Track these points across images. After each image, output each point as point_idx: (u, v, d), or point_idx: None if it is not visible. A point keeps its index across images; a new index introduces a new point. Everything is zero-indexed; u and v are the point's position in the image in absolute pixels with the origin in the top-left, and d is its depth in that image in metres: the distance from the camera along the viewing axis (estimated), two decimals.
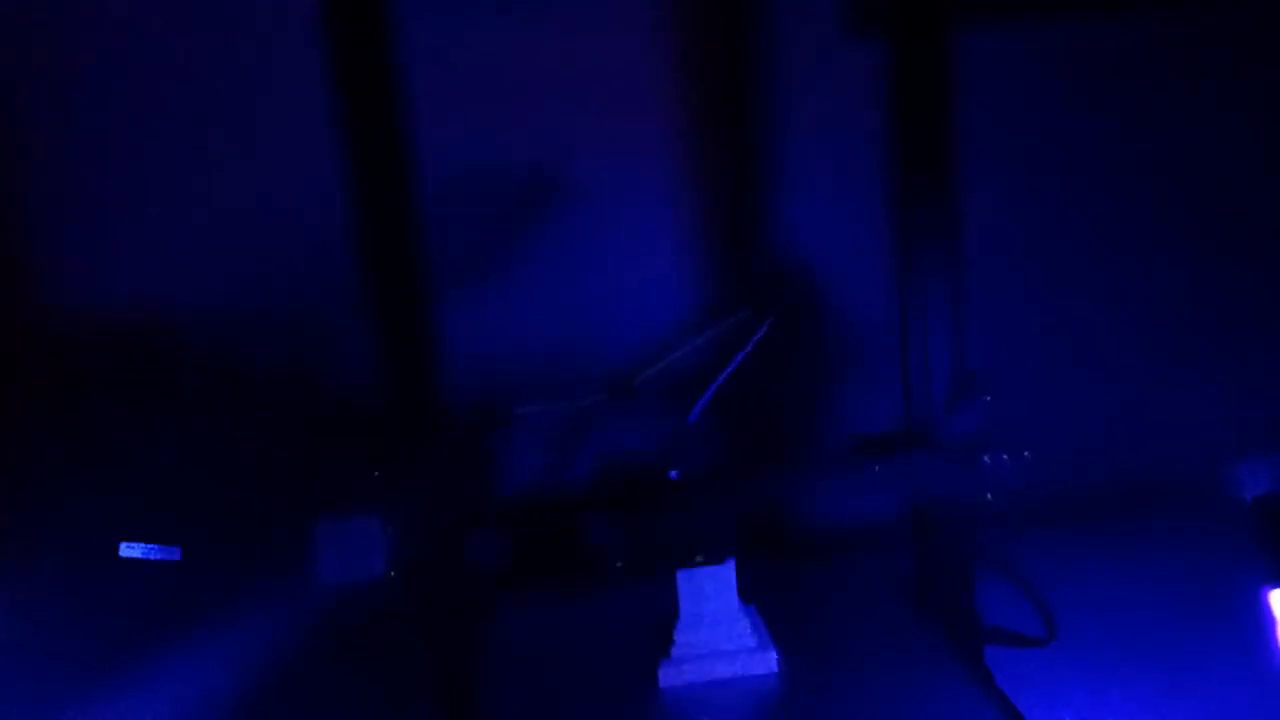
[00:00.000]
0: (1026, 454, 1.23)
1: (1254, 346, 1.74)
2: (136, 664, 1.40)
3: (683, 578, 1.27)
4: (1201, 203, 1.72)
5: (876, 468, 1.26)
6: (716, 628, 1.28)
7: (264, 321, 1.62)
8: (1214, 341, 1.73)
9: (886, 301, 1.38)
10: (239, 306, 1.62)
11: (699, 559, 1.26)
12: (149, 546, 1.38)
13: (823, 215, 1.66)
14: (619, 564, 1.27)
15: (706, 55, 1.64)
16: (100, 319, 1.61)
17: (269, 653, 1.41)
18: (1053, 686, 1.33)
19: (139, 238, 1.61)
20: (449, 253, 1.43)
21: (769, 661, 1.27)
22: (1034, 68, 1.64)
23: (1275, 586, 1.43)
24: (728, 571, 1.27)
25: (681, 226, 1.68)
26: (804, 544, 1.73)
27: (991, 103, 1.53)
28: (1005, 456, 1.23)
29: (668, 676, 1.26)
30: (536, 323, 1.64)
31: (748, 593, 1.30)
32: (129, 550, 1.38)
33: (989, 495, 1.24)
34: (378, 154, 1.21)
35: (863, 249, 1.53)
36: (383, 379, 1.24)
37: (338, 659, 1.42)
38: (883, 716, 1.16)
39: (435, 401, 1.29)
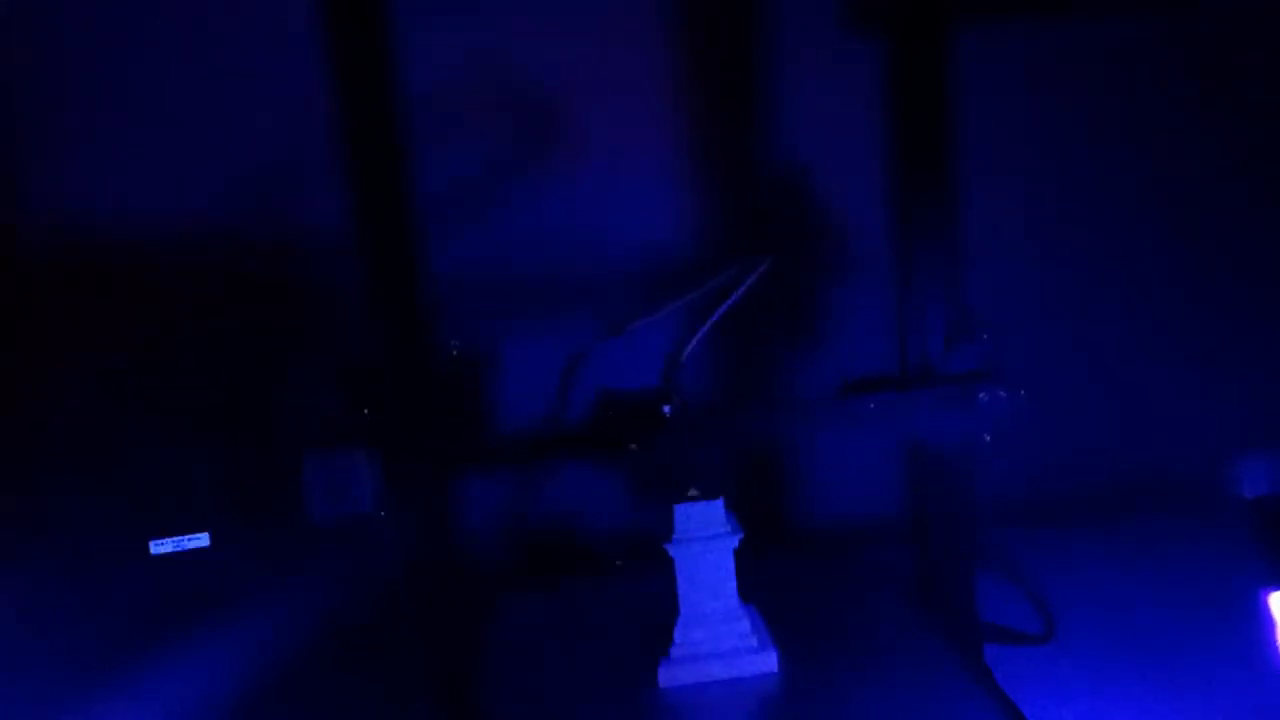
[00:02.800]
0: (1023, 392, 1.21)
1: (1254, 346, 1.74)
2: (137, 664, 1.40)
3: (682, 575, 1.26)
4: (1201, 202, 1.72)
5: (872, 405, 1.24)
6: (716, 627, 1.27)
7: (250, 256, 1.58)
8: (1214, 342, 1.73)
9: (884, 241, 1.37)
10: (225, 240, 1.58)
11: (694, 493, 1.25)
12: (178, 539, 1.36)
13: (821, 154, 1.64)
14: (618, 563, 1.26)
15: None
16: (81, 256, 1.57)
17: (269, 652, 1.41)
18: (1053, 686, 1.33)
19: (123, 169, 1.57)
20: (439, 183, 1.40)
21: (769, 662, 1.26)
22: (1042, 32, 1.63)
23: (1275, 589, 1.43)
24: (728, 570, 1.26)
25: (678, 161, 1.66)
26: (805, 539, 1.73)
27: (988, 73, 1.52)
28: (1003, 394, 1.22)
29: (667, 676, 1.25)
30: (528, 255, 1.61)
31: (748, 591, 1.28)
32: (159, 547, 1.37)
33: (986, 436, 1.23)
34: (366, 77, 1.20)
35: (861, 188, 1.51)
36: (371, 313, 1.23)
37: (338, 659, 1.42)
38: (883, 716, 1.16)
39: (424, 337, 1.28)
